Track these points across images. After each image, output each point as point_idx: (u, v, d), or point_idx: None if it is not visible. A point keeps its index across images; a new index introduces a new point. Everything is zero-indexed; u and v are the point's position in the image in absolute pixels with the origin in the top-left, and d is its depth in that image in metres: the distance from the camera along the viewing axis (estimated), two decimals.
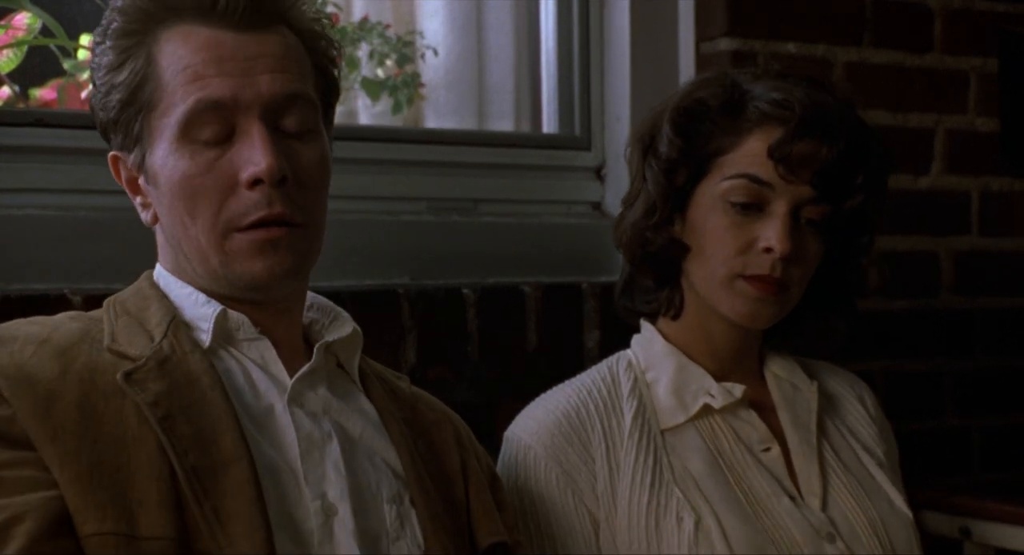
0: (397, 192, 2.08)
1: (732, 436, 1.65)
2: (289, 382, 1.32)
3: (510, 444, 1.65)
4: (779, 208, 1.59)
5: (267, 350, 1.34)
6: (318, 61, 1.37)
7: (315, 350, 1.36)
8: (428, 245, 2.05)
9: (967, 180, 2.44)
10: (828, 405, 1.74)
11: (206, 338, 1.32)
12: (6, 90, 2.03)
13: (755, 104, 1.62)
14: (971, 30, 2.43)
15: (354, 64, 2.74)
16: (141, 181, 1.34)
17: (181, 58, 1.28)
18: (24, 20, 1.95)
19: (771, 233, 1.59)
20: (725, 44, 2.20)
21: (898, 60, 2.36)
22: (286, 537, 1.23)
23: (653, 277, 1.71)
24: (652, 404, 1.65)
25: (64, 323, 1.31)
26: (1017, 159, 2.48)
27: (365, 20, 2.82)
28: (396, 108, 2.81)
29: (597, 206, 2.25)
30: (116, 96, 1.30)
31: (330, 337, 1.39)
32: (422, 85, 2.83)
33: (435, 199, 2.11)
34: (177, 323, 1.32)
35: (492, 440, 1.73)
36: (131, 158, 1.33)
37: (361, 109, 2.81)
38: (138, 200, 1.36)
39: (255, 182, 1.27)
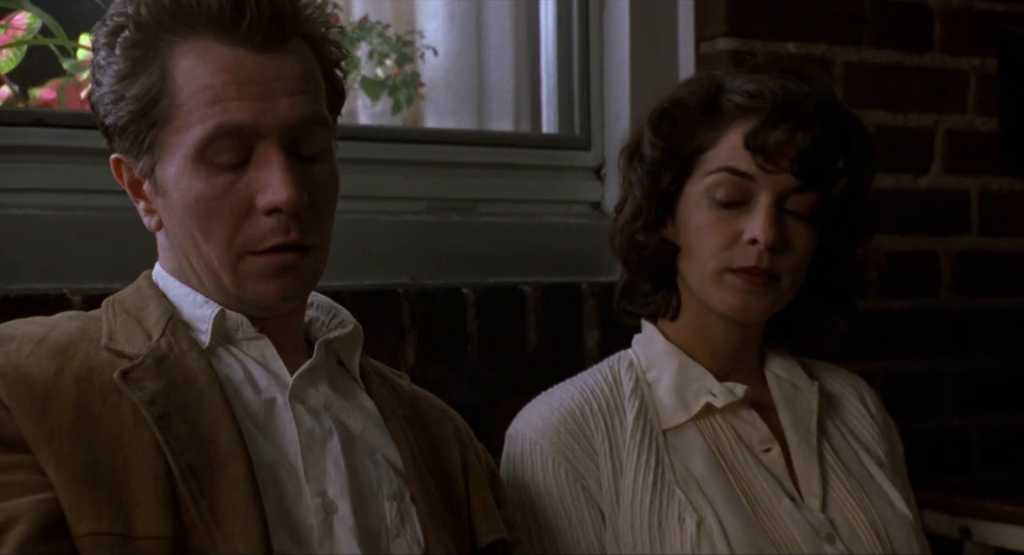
0: (397, 192, 2.08)
1: (733, 436, 1.65)
2: (290, 379, 1.33)
3: (514, 441, 1.65)
4: (763, 199, 1.60)
5: (267, 348, 1.34)
6: (327, 69, 1.36)
7: (316, 347, 1.36)
8: (428, 245, 2.05)
9: (967, 180, 2.44)
10: (829, 405, 1.74)
11: (205, 338, 1.32)
12: (6, 90, 2.03)
13: (728, 98, 1.63)
14: (971, 30, 2.43)
15: (354, 64, 2.74)
16: (146, 187, 1.33)
17: (199, 78, 1.26)
18: (24, 20, 1.95)
19: (754, 224, 1.59)
20: (725, 44, 2.20)
21: (898, 60, 2.36)
22: (285, 535, 1.23)
23: (649, 280, 1.72)
24: (654, 404, 1.65)
25: (62, 322, 1.31)
26: (1017, 159, 2.48)
27: (365, 20, 2.82)
28: (396, 108, 2.81)
29: (597, 206, 2.25)
30: (127, 107, 1.28)
31: (331, 334, 1.39)
32: (422, 85, 2.83)
33: (435, 199, 2.11)
34: (175, 322, 1.32)
35: (492, 440, 1.73)
36: (138, 166, 1.31)
37: (361, 109, 2.81)
38: (141, 205, 1.35)
39: (273, 210, 1.27)
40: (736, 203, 1.61)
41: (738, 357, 1.70)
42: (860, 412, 1.76)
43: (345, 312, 1.44)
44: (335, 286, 1.85)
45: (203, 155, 1.26)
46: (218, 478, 1.21)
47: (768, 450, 1.65)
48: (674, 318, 1.71)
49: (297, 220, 1.28)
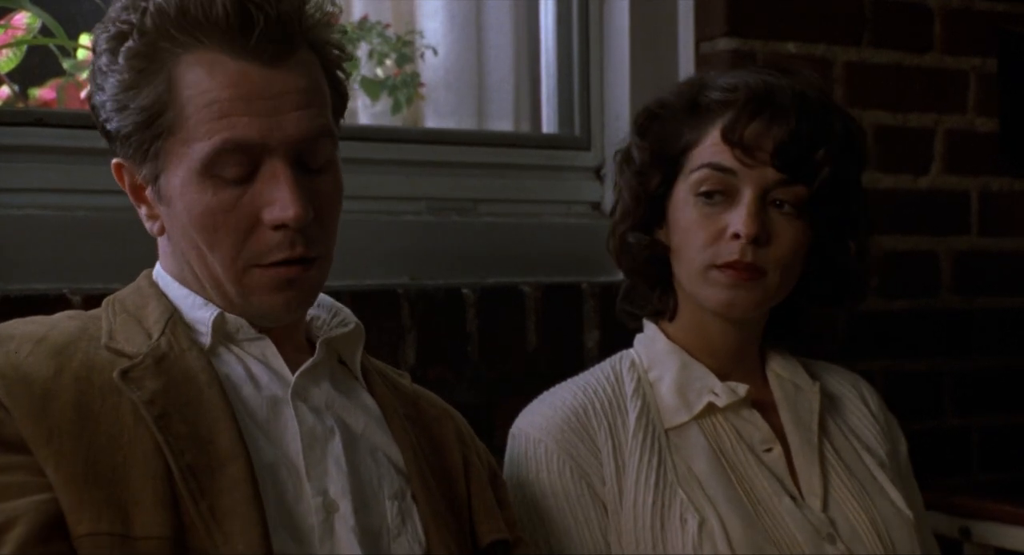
0: (397, 192, 2.08)
1: (734, 435, 1.65)
2: (292, 377, 1.33)
3: (518, 439, 1.65)
4: (746, 194, 1.60)
5: (268, 347, 1.34)
6: (332, 73, 1.35)
7: (318, 345, 1.36)
8: (428, 245, 2.05)
9: (967, 180, 2.44)
10: (830, 405, 1.74)
11: (205, 339, 1.32)
12: (6, 90, 2.02)
13: (707, 94, 1.64)
14: (971, 30, 2.43)
15: (354, 64, 2.73)
16: (149, 194, 1.32)
17: (206, 92, 1.25)
18: (24, 20, 1.95)
19: (736, 218, 1.59)
20: (725, 44, 2.20)
21: (898, 60, 2.36)
22: (285, 534, 1.23)
23: (644, 281, 1.73)
24: (656, 403, 1.65)
25: (62, 322, 1.31)
26: (1016, 159, 2.48)
27: (365, 20, 2.82)
28: (396, 108, 2.81)
29: (597, 206, 2.25)
30: (132, 118, 1.27)
31: (333, 333, 1.39)
32: (422, 85, 2.83)
33: (435, 199, 2.11)
34: (175, 321, 1.31)
35: (492, 440, 1.73)
36: (141, 172, 1.30)
37: (361, 109, 2.81)
38: (143, 210, 1.34)
39: (280, 226, 1.27)
40: (721, 199, 1.61)
41: (737, 356, 1.70)
42: (861, 412, 1.76)
43: (347, 311, 1.44)
44: (335, 286, 1.85)
45: (209, 170, 1.25)
46: (218, 478, 1.21)
47: (769, 450, 1.65)
48: (672, 318, 1.71)
49: (303, 235, 1.28)
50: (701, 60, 2.22)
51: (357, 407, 1.37)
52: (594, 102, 2.26)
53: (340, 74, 1.37)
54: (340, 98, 1.37)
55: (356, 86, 2.76)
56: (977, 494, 2.20)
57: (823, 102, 1.65)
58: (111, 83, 1.28)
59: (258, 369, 1.33)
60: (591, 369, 1.73)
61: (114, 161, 1.34)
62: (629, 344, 1.74)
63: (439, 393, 1.55)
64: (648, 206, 1.68)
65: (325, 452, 1.30)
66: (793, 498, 1.62)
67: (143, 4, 1.26)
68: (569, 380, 1.71)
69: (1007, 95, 2.47)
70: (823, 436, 1.69)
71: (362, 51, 2.79)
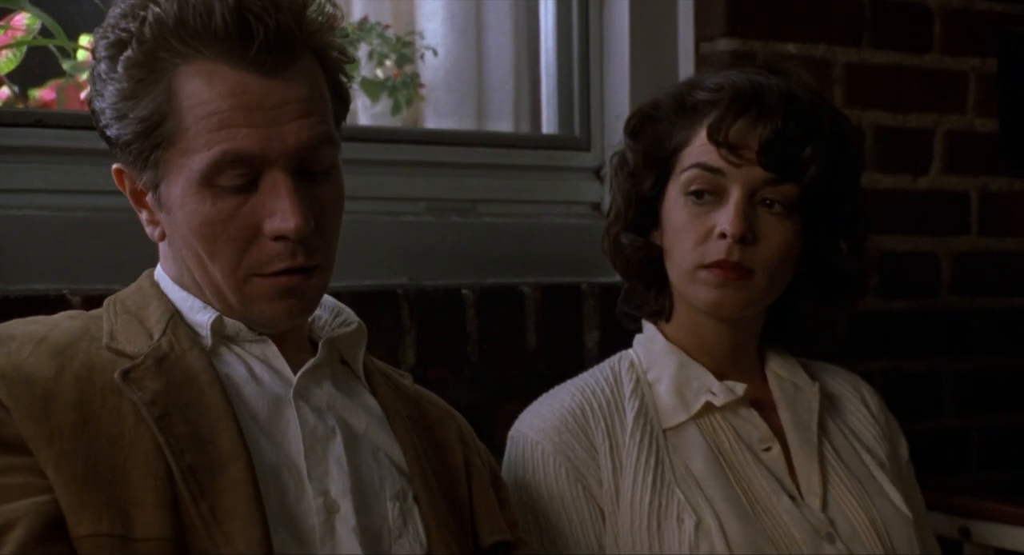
0: (397, 192, 2.08)
1: (733, 435, 1.65)
2: (293, 377, 1.33)
3: (516, 442, 1.65)
4: (734, 193, 1.60)
5: (269, 348, 1.34)
6: (333, 78, 1.34)
7: (320, 345, 1.36)
8: (428, 245, 2.05)
9: (966, 180, 2.44)
10: (830, 405, 1.74)
11: (206, 341, 1.32)
12: (5, 90, 2.02)
13: (695, 95, 1.65)
14: (970, 30, 2.43)
15: (354, 65, 2.73)
16: (149, 200, 1.32)
17: (206, 102, 1.24)
18: (23, 20, 1.95)
19: (723, 217, 1.60)
20: (724, 44, 2.20)
21: (897, 60, 2.36)
22: (286, 535, 1.23)
23: (639, 282, 1.73)
24: (654, 404, 1.66)
25: (63, 322, 1.31)
26: (1016, 159, 2.48)
27: (365, 20, 2.82)
28: (395, 108, 2.81)
29: (596, 206, 2.25)
30: (131, 127, 1.26)
31: (335, 333, 1.39)
32: (421, 85, 2.83)
33: (435, 199, 2.11)
34: (177, 321, 1.32)
35: (492, 440, 1.73)
36: (142, 179, 1.30)
37: (361, 109, 2.81)
38: (144, 215, 1.34)
39: (280, 237, 1.27)
40: (710, 199, 1.62)
41: (734, 355, 1.70)
42: (861, 412, 1.76)
43: (349, 311, 1.44)
44: (335, 286, 1.84)
45: (209, 180, 1.25)
46: (219, 479, 1.21)
47: (768, 449, 1.65)
48: (668, 319, 1.72)
49: (303, 245, 1.28)
50: (701, 61, 2.22)
51: (359, 407, 1.37)
52: (594, 102, 2.26)
53: (342, 78, 1.36)
54: (342, 103, 1.36)
55: (356, 87, 2.76)
56: (977, 494, 2.20)
57: (813, 102, 1.65)
58: (110, 91, 1.27)
59: (260, 369, 1.33)
60: (590, 370, 1.73)
61: (115, 166, 1.34)
62: (629, 344, 1.74)
63: (439, 393, 1.55)
64: (640, 207, 1.69)
65: (327, 452, 1.30)
66: (792, 497, 1.62)
67: (142, 13, 1.25)
68: (568, 381, 1.71)
69: (1007, 95, 2.47)
70: (822, 436, 1.70)
71: (362, 52, 2.80)
